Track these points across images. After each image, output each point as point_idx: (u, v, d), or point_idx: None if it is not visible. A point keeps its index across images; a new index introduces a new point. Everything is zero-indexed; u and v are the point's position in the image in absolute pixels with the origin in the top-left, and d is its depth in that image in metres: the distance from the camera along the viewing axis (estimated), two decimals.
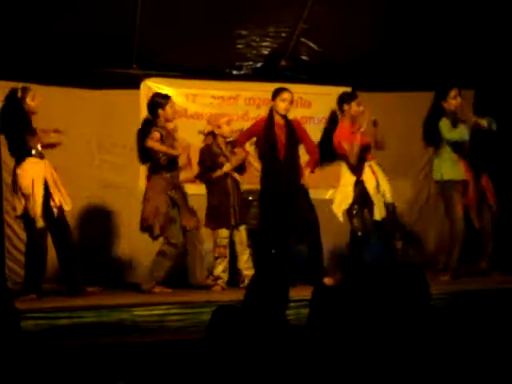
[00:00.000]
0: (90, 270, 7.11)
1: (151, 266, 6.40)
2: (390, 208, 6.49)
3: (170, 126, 6.52)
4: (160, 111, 6.37)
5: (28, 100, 6.09)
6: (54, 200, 6.02)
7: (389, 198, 6.49)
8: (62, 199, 6.06)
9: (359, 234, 6.40)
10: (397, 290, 2.23)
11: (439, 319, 2.39)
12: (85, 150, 7.34)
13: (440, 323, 2.38)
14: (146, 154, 6.38)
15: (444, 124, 6.66)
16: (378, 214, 6.40)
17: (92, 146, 7.47)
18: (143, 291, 6.27)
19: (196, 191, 7.03)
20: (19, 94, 6.07)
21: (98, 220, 7.46)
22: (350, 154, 6.40)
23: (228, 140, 6.67)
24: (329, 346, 2.26)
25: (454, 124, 6.67)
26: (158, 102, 6.43)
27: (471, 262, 6.90)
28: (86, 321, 4.97)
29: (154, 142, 6.23)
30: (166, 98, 6.50)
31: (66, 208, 6.12)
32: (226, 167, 6.50)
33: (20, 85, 6.14)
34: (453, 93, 6.72)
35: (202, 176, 6.66)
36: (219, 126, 6.62)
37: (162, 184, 6.35)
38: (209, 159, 6.58)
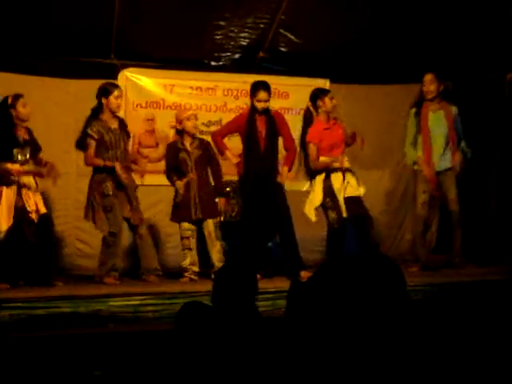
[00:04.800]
0: (63, 259, 7.14)
1: (99, 256, 6.45)
2: (358, 201, 6.46)
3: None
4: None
5: (19, 107, 6.10)
6: (28, 205, 6.08)
7: (354, 191, 6.43)
8: (34, 208, 6.11)
9: (336, 226, 6.43)
10: (372, 282, 2.25)
11: (412, 312, 2.41)
12: (62, 140, 7.31)
13: (412, 316, 2.39)
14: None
15: (410, 116, 6.73)
16: (343, 211, 6.38)
17: (69, 135, 7.43)
18: (97, 281, 6.31)
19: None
20: (9, 101, 6.09)
21: (73, 208, 7.43)
22: (313, 152, 6.42)
23: (195, 135, 6.67)
24: (305, 339, 2.28)
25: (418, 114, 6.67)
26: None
27: (446, 254, 6.93)
28: (62, 311, 4.97)
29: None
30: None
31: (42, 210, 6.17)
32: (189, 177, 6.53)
33: None
34: (426, 77, 6.67)
35: (167, 174, 6.70)
36: (180, 122, 6.62)
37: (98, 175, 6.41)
38: (172, 156, 6.63)
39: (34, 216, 6.11)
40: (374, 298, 2.13)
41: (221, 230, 6.65)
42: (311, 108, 6.59)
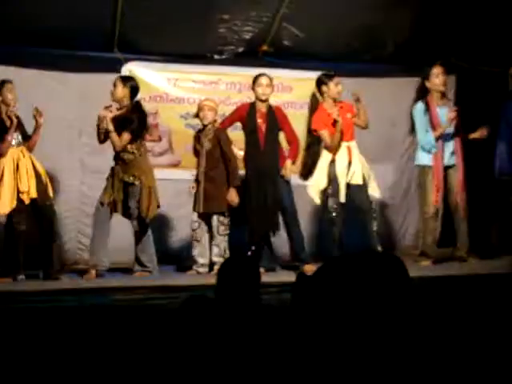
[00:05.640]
0: (67, 253, 7.14)
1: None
2: (362, 190, 6.43)
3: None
4: None
5: (4, 92, 6.08)
6: (20, 188, 6.05)
7: (358, 179, 6.38)
8: (26, 189, 6.07)
9: (334, 214, 6.38)
10: (376, 277, 2.24)
11: (416, 306, 2.41)
12: (65, 134, 7.31)
13: (416, 310, 2.39)
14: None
15: (417, 111, 6.67)
16: (343, 196, 6.35)
17: (72, 129, 7.43)
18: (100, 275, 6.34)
19: (178, 176, 7.05)
20: None
21: (77, 202, 7.43)
22: (328, 137, 6.39)
23: (207, 127, 6.61)
24: (309, 333, 2.28)
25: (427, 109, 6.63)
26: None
27: (452, 247, 6.92)
28: (66, 304, 4.98)
29: None
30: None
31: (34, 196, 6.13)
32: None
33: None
34: (434, 70, 6.64)
35: None
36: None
37: None
38: (194, 146, 6.70)
39: (25, 197, 6.07)
40: (379, 293, 2.12)
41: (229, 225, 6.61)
42: (317, 94, 6.57)
